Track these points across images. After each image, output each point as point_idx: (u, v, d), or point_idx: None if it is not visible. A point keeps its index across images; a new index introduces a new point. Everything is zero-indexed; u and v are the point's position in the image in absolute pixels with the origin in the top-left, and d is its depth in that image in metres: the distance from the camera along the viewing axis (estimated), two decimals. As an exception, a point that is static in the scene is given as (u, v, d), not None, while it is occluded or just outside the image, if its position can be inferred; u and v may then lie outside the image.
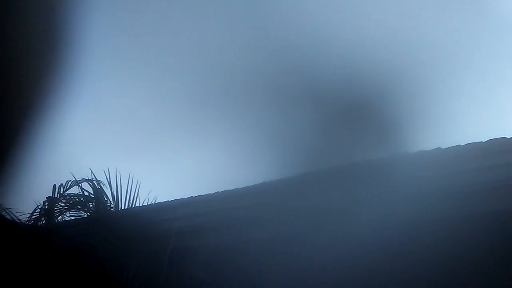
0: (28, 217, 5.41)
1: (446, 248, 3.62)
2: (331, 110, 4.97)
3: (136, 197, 5.32)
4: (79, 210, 5.43)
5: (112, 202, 5.33)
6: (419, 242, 3.78)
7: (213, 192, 5.20)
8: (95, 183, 5.37)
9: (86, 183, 5.42)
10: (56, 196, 5.47)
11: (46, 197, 5.55)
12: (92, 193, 5.38)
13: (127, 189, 5.30)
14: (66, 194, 5.45)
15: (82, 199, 5.41)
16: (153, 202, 5.39)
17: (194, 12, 5.66)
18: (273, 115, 5.19)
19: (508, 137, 3.52)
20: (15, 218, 5.34)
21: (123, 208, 5.31)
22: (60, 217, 5.50)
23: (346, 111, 4.94)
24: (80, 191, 5.45)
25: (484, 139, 3.63)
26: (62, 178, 5.47)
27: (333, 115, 4.96)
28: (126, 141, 6.93)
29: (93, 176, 5.41)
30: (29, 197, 5.38)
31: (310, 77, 5.04)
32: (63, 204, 5.46)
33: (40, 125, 4.30)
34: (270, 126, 5.20)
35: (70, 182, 5.44)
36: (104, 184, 5.38)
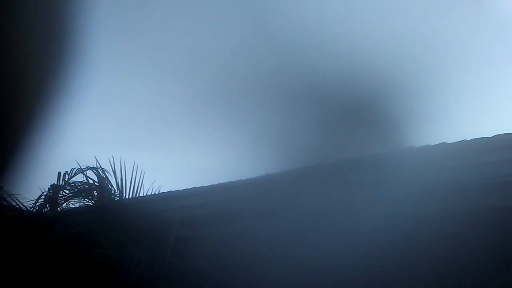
0: (33, 203, 5.46)
1: (450, 243, 3.61)
2: (335, 106, 4.96)
3: (141, 186, 5.36)
4: (84, 198, 5.46)
5: (116, 191, 5.36)
6: (422, 237, 3.77)
7: (217, 183, 5.21)
8: (100, 171, 5.41)
9: (91, 171, 5.46)
10: (60, 183, 5.51)
11: (51, 185, 5.59)
12: (97, 181, 5.41)
13: (131, 178, 5.34)
14: (70, 182, 5.49)
15: (86, 187, 5.44)
16: (157, 192, 5.42)
17: (196, 13, 5.68)
18: (275, 111, 5.19)
19: (513, 133, 3.50)
20: (20, 205, 5.39)
21: (127, 197, 5.33)
22: (65, 204, 5.54)
23: (350, 106, 4.93)
24: (85, 179, 5.49)
25: (490, 134, 3.62)
26: (67, 165, 5.51)
27: (337, 110, 4.95)
28: (131, 130, 6.95)
29: (98, 164, 5.45)
30: (34, 184, 5.42)
31: (313, 74, 5.03)
32: (67, 192, 5.50)
33: (46, 113, 4.32)
34: (273, 122, 5.20)
35: (74, 170, 5.48)
36: (108, 173, 5.41)
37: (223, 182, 5.16)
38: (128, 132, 6.92)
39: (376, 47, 4.82)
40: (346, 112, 4.94)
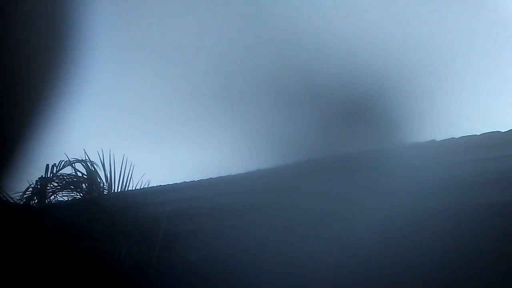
0: (20, 196, 5.38)
1: (440, 240, 3.65)
2: (329, 103, 4.98)
3: (130, 180, 5.32)
4: (72, 190, 5.42)
5: (105, 184, 5.33)
6: (413, 234, 3.80)
7: (207, 177, 5.21)
8: (89, 164, 5.37)
9: (80, 163, 5.41)
10: (49, 176, 5.45)
11: (39, 177, 5.53)
12: (86, 174, 5.37)
13: (120, 171, 5.30)
14: (59, 174, 5.44)
15: (75, 179, 5.39)
16: (146, 186, 5.39)
17: (197, 13, 5.66)
18: (272, 107, 5.19)
19: (502, 131, 3.56)
20: (7, 197, 5.32)
21: (116, 190, 5.30)
22: (53, 197, 5.49)
23: (344, 105, 4.96)
24: (73, 171, 5.44)
25: (478, 132, 3.67)
26: (55, 158, 5.45)
27: (330, 107, 4.97)
28: (121, 123, 6.91)
29: (86, 157, 5.40)
30: (21, 176, 5.35)
31: (309, 73, 5.05)
32: (55, 184, 5.44)
33: (36, 106, 4.28)
34: (268, 117, 5.20)
35: (63, 162, 5.43)
36: (97, 166, 5.37)
37: (213, 176, 5.17)
38: (118, 125, 6.88)
39: (374, 46, 4.85)
40: (336, 108, 4.97)
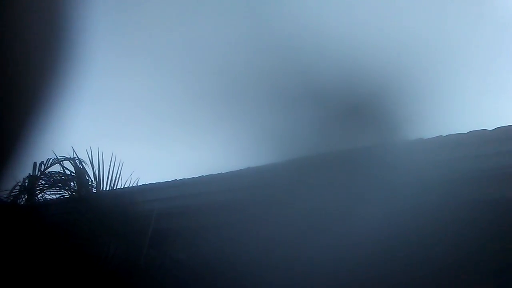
0: (8, 194, 5.33)
1: (432, 237, 3.66)
2: (327, 102, 4.97)
3: (118, 178, 5.31)
4: (60, 188, 5.38)
5: (93, 182, 5.31)
6: (404, 231, 3.80)
7: (197, 175, 5.19)
8: (77, 162, 5.34)
9: (68, 161, 5.37)
10: (36, 173, 5.41)
11: (27, 175, 5.47)
12: (74, 172, 5.33)
13: (109, 169, 5.29)
14: (47, 172, 5.39)
15: (63, 177, 5.36)
16: (135, 184, 5.38)
17: (196, 12, 5.64)
18: (272, 107, 5.17)
19: (489, 129, 3.58)
20: (-6, 195, 5.27)
21: (104, 188, 5.28)
22: (41, 195, 5.44)
23: (339, 103, 4.95)
24: (62, 169, 5.40)
25: (465, 130, 3.69)
26: (43, 155, 5.40)
27: (328, 106, 4.96)
28: (109, 121, 6.87)
29: (75, 154, 5.37)
30: (8, 174, 5.29)
31: (309, 72, 5.04)
32: (43, 182, 5.40)
33: (25, 104, 4.24)
34: (269, 117, 5.18)
35: (51, 160, 5.39)
36: (86, 163, 5.35)
37: (203, 175, 5.14)
38: (106, 123, 6.84)
39: (373, 46, 4.86)
40: (332, 107, 4.96)
